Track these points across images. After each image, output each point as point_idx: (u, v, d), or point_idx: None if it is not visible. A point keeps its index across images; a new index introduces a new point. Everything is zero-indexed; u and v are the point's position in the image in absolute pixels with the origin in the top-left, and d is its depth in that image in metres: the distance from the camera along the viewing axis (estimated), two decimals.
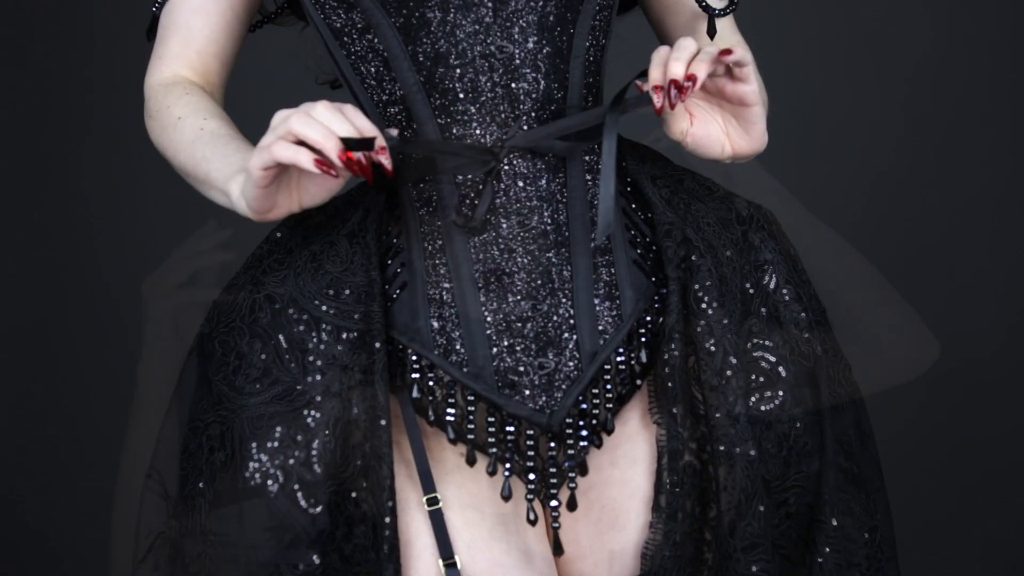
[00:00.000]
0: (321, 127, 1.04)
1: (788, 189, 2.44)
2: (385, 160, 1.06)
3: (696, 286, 1.20)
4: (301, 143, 1.04)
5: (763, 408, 1.21)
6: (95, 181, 2.78)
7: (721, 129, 1.16)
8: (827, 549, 1.23)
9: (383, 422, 1.12)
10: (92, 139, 2.77)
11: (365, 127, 1.06)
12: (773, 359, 1.23)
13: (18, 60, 2.78)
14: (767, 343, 1.23)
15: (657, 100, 1.10)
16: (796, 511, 1.23)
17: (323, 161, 1.04)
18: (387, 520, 1.11)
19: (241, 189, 1.11)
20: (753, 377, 1.21)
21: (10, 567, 2.80)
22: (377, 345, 1.13)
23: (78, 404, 2.82)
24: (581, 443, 1.18)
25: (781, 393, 1.22)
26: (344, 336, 1.14)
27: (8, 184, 2.82)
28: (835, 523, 1.23)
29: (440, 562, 1.14)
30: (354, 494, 1.12)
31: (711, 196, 1.29)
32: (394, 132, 1.11)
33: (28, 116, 2.80)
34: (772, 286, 1.25)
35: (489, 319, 1.16)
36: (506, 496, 1.17)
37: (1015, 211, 2.58)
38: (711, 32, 1.31)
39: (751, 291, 1.24)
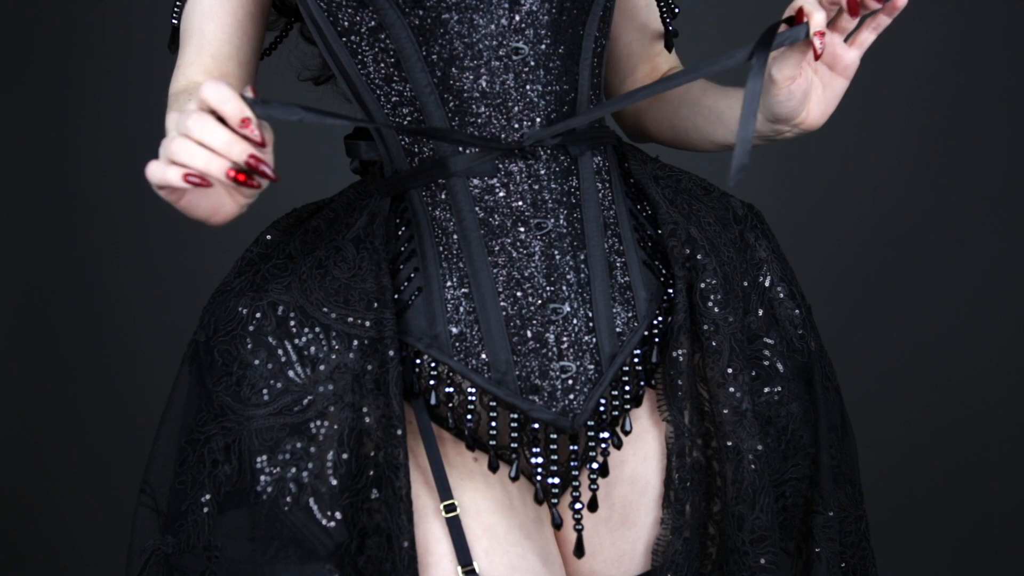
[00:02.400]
0: (201, 153, 0.93)
1: (793, 193, 2.45)
2: (267, 169, 0.95)
3: (702, 285, 1.21)
4: None
5: (763, 403, 1.24)
6: (99, 182, 2.71)
7: (808, 94, 1.16)
8: (827, 539, 1.27)
9: (399, 432, 1.10)
10: (95, 139, 2.70)
11: (234, 114, 0.94)
12: (771, 355, 1.25)
13: (22, 61, 2.70)
14: (766, 340, 1.26)
15: (819, 44, 1.09)
16: (792, 503, 1.26)
17: (195, 178, 0.95)
18: (406, 531, 1.09)
19: None
20: (754, 373, 1.24)
21: (10, 566, 2.75)
22: (391, 353, 1.11)
23: (80, 404, 2.78)
24: (602, 444, 1.19)
25: (779, 388, 1.25)
26: (355, 344, 1.11)
27: (10, 185, 2.74)
28: (831, 514, 1.26)
29: (459, 569, 1.13)
30: (367, 505, 1.10)
31: (708, 196, 1.31)
32: (248, 92, 0.98)
33: (31, 116, 2.72)
34: (767, 284, 1.28)
35: (510, 324, 1.16)
36: (540, 500, 1.17)
37: (1017, 215, 2.63)
38: (669, 47, 1.36)
39: (749, 289, 1.26)
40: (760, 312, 1.27)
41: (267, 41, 1.32)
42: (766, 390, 1.25)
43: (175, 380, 1.19)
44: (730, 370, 1.20)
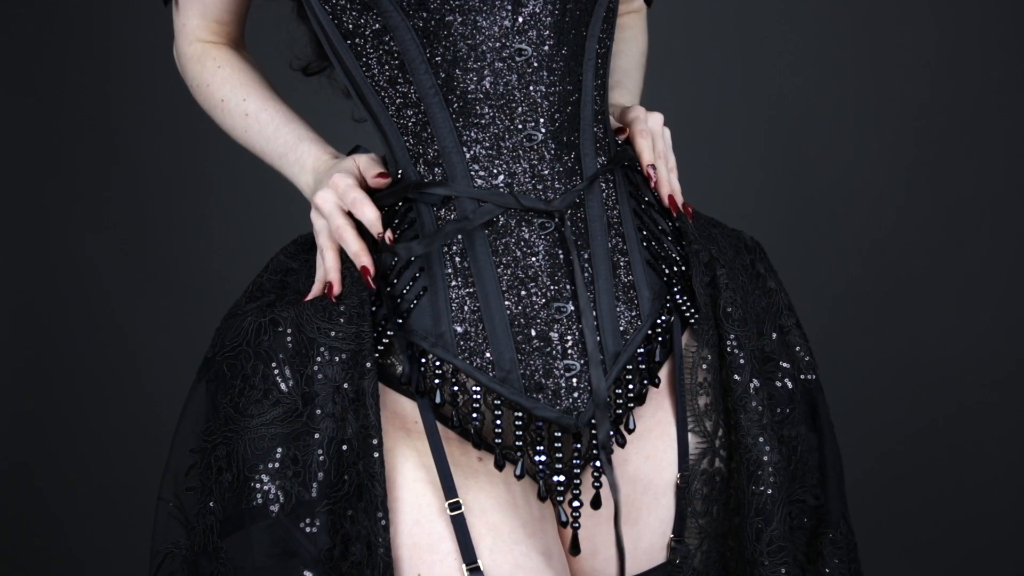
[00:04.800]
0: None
1: (797, 195, 2.46)
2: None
3: (722, 302, 1.25)
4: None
5: (776, 422, 1.27)
6: (96, 182, 2.72)
7: None
8: (836, 560, 1.30)
9: (374, 441, 1.13)
10: (93, 140, 2.70)
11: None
12: (784, 377, 1.30)
13: (24, 61, 2.70)
14: (783, 363, 1.30)
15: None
16: (798, 524, 1.29)
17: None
18: (382, 538, 1.12)
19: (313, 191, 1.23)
20: (769, 394, 1.27)
21: (10, 566, 2.75)
22: (368, 365, 1.14)
23: (78, 405, 2.78)
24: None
25: (790, 410, 1.29)
26: (337, 358, 1.15)
27: (8, 187, 2.74)
28: (840, 535, 1.31)
29: (464, 567, 1.14)
30: (350, 512, 1.13)
31: (720, 227, 1.35)
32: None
33: (30, 118, 2.72)
34: (775, 311, 1.32)
35: (514, 322, 1.17)
36: (543, 497, 1.18)
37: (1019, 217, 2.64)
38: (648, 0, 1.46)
39: (763, 314, 1.31)
40: (774, 335, 1.30)
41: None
42: (778, 410, 1.28)
43: (187, 397, 1.23)
44: (755, 384, 1.23)
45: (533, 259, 1.17)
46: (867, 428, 2.63)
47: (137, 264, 2.74)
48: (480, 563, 1.14)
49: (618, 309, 1.20)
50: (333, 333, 1.15)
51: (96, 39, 2.66)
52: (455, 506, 1.15)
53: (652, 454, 1.25)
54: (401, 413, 1.19)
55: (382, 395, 1.19)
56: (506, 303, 1.17)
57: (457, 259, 1.17)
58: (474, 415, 1.17)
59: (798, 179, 2.66)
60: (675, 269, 1.26)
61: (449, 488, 1.16)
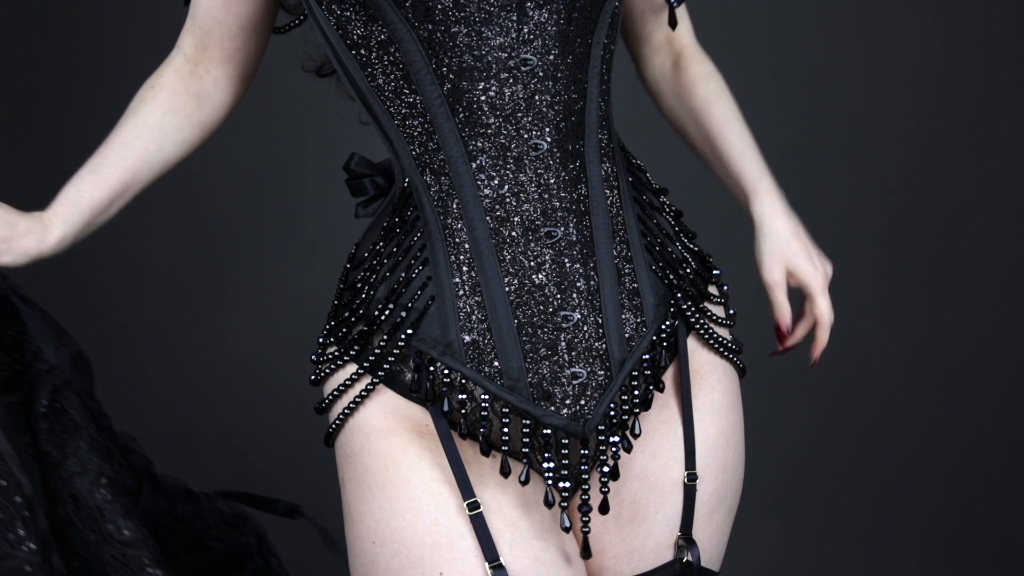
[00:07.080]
0: None
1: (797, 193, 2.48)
2: None
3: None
4: None
5: None
6: None
7: None
8: None
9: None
10: (92, 141, 2.69)
11: None
12: None
13: (23, 59, 2.69)
14: None
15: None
16: None
17: None
18: (21, 541, 1.13)
19: None
20: None
21: None
22: None
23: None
24: (613, 448, 1.21)
25: None
26: None
27: (6, 191, 2.74)
28: None
29: (486, 565, 1.16)
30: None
31: None
32: None
33: (29, 115, 2.71)
34: None
35: (521, 331, 1.18)
36: (550, 504, 1.20)
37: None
38: (672, 23, 1.34)
39: None
40: None
41: (282, 20, 1.35)
42: None
43: None
44: None
45: (539, 268, 1.18)
46: (881, 425, 2.64)
47: (138, 268, 2.74)
48: (502, 559, 1.16)
49: (624, 316, 1.21)
50: None
51: (97, 41, 2.66)
52: (473, 506, 1.17)
53: (658, 452, 1.27)
54: (412, 417, 1.21)
55: (392, 400, 1.20)
56: (514, 312, 1.18)
57: (465, 268, 1.18)
58: (482, 423, 1.18)
59: (801, 179, 2.67)
60: (681, 272, 1.28)
61: (466, 489, 1.17)
